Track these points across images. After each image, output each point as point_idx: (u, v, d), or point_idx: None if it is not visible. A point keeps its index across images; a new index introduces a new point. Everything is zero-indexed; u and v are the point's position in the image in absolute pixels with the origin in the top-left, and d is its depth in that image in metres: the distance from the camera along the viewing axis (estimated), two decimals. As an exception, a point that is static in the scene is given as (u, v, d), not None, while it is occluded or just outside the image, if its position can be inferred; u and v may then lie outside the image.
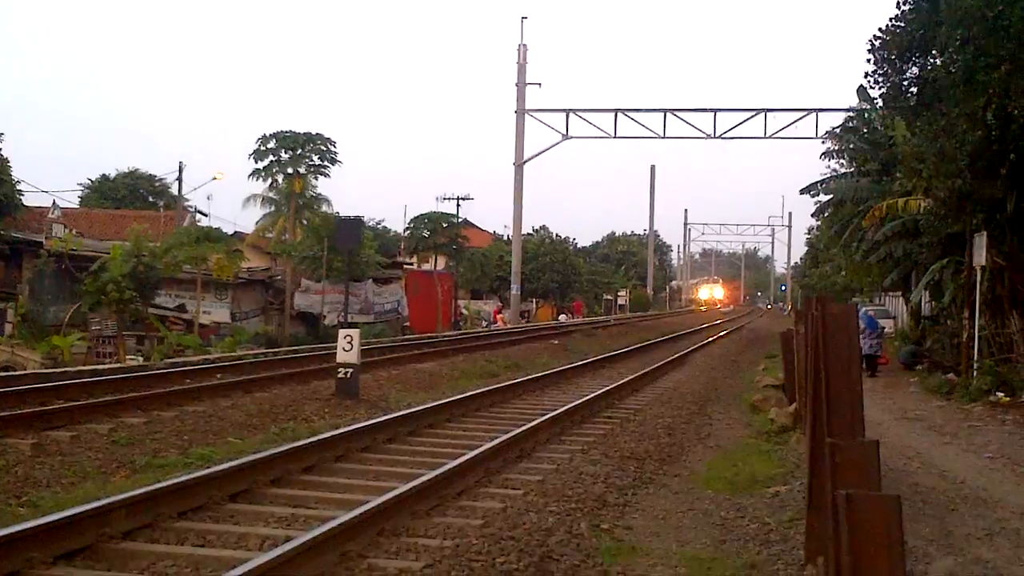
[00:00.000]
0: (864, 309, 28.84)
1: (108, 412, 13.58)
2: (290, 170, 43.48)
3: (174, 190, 55.77)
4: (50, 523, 6.96)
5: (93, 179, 65.42)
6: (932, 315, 30.45)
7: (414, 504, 8.48)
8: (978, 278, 19.94)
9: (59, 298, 33.43)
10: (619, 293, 79.46)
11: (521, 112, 50.92)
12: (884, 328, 29.57)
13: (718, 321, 70.13)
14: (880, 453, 5.62)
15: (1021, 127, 17.36)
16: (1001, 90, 17.16)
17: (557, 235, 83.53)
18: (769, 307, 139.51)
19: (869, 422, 8.40)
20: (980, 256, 19.52)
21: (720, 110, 47.62)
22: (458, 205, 58.51)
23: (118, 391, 15.83)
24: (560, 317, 64.55)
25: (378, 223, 68.99)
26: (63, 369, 20.00)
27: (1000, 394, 18.15)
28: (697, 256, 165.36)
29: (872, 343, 24.20)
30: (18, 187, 38.75)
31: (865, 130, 34.10)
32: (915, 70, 20.44)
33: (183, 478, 8.73)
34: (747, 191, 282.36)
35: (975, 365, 19.98)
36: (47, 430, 12.10)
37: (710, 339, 42.94)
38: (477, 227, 74.97)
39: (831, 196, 36.60)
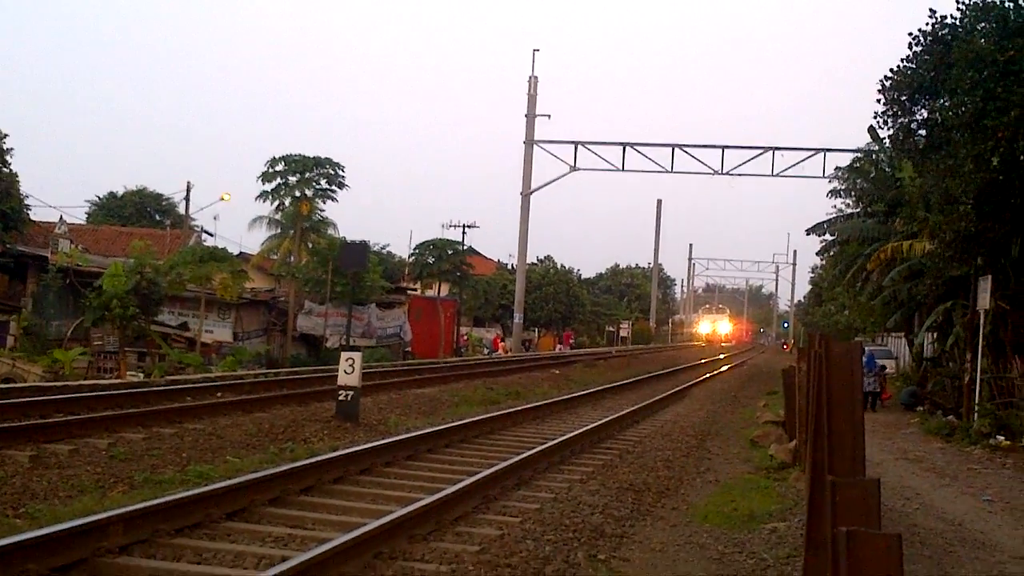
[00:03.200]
0: (866, 348, 28.82)
1: (108, 427, 13.61)
2: (297, 193, 43.58)
3: (181, 209, 55.96)
4: (46, 535, 6.96)
5: (101, 196, 65.59)
6: (934, 357, 30.42)
7: (411, 528, 8.47)
8: (981, 321, 19.91)
9: (62, 313, 33.50)
10: (622, 325, 79.26)
11: (530, 143, 51.15)
12: (884, 367, 29.56)
13: (720, 356, 70.05)
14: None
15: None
16: (1010, 135, 17.19)
17: (561, 265, 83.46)
18: (772, 344, 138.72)
19: (868, 462, 8.38)
20: (984, 299, 19.50)
21: (728, 147, 47.91)
22: (464, 232, 58.52)
23: (118, 406, 15.85)
24: (557, 347, 64.61)
25: (383, 248, 69.01)
26: (64, 383, 19.98)
27: (1000, 438, 18.12)
28: (700, 291, 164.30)
29: (869, 380, 24.20)
30: (26, 202, 38.91)
31: (872, 171, 34.14)
32: (924, 112, 20.47)
33: (181, 495, 8.71)
34: (752, 227, 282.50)
35: (976, 408, 19.94)
36: (46, 443, 12.12)
37: (711, 374, 42.89)
38: (482, 255, 74.92)
39: (836, 235, 36.64)
